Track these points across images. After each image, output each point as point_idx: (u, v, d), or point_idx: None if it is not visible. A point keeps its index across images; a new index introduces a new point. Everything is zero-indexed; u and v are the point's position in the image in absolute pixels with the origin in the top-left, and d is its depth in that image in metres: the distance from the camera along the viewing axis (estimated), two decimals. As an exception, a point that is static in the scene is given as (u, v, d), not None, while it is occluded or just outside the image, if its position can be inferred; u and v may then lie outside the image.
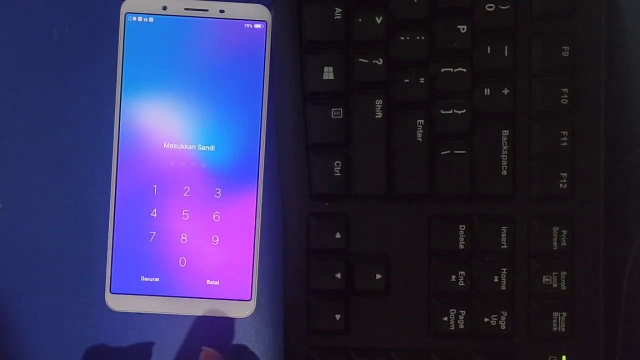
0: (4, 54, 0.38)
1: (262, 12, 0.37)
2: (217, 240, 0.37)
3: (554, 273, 0.34)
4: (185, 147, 0.37)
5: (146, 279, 0.37)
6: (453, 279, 0.34)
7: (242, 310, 0.37)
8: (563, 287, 0.34)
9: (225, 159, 0.37)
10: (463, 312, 0.34)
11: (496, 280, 0.34)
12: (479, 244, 0.35)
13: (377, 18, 0.34)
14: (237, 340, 0.38)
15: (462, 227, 0.34)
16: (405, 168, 0.34)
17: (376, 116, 0.34)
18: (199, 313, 0.37)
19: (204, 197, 0.37)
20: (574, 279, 0.34)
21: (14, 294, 0.38)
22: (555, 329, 0.34)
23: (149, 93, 0.37)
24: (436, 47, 0.34)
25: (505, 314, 0.34)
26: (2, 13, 0.38)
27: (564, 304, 0.34)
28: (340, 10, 0.34)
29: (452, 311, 0.34)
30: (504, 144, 0.34)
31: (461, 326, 0.35)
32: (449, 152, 0.34)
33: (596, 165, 0.34)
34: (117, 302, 0.37)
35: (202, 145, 0.37)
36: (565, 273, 0.34)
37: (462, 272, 0.34)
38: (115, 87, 0.37)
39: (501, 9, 0.34)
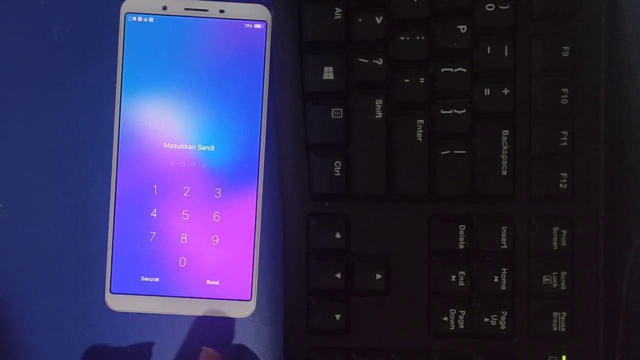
0: (4, 54, 0.38)
1: (262, 12, 0.37)
2: (217, 240, 0.37)
3: (554, 273, 0.34)
4: (185, 147, 0.37)
5: (146, 279, 0.37)
6: (453, 279, 0.34)
7: (242, 310, 0.37)
8: (563, 287, 0.34)
9: (225, 159, 0.37)
10: (463, 312, 0.34)
11: (496, 280, 0.34)
12: (479, 244, 0.35)
13: (377, 18, 0.34)
14: (237, 340, 0.38)
15: (462, 227, 0.34)
16: (405, 168, 0.34)
17: (376, 116, 0.34)
18: (199, 313, 0.37)
19: (204, 197, 0.37)
20: (574, 279, 0.34)
21: (14, 294, 0.38)
22: (555, 329, 0.34)
23: (149, 93, 0.37)
24: (436, 47, 0.34)
25: (505, 314, 0.34)
26: (2, 13, 0.38)
27: (564, 304, 0.34)
28: (340, 10, 0.34)
29: (452, 311, 0.34)
30: (504, 144, 0.34)
31: (461, 326, 0.35)
32: (449, 152, 0.34)
33: (596, 165, 0.34)
34: (117, 302, 0.37)
35: (202, 145, 0.37)
36: (565, 273, 0.34)
37: (462, 272, 0.34)
38: (115, 87, 0.37)
39: (501, 9, 0.34)
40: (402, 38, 0.34)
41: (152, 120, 0.37)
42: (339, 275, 0.35)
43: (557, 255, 0.34)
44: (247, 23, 0.37)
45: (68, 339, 0.38)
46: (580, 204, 0.34)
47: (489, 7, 0.34)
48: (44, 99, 0.38)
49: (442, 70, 0.34)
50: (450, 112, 0.34)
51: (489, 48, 0.34)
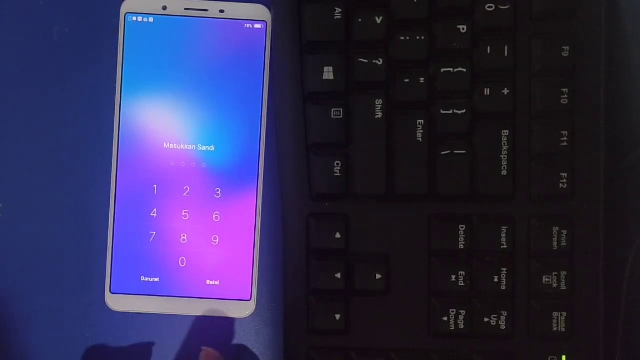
0: (4, 54, 0.38)
1: (262, 12, 0.37)
2: (217, 240, 0.37)
3: (554, 273, 0.34)
4: (185, 147, 0.37)
5: (146, 279, 0.37)
6: (453, 279, 0.34)
7: (242, 310, 0.37)
8: (563, 287, 0.34)
9: (225, 159, 0.37)
10: (463, 312, 0.34)
11: (496, 280, 0.34)
12: (479, 244, 0.35)
13: (377, 18, 0.34)
14: (237, 340, 0.38)
15: (462, 227, 0.34)
16: (405, 168, 0.34)
17: (376, 116, 0.34)
18: (199, 313, 0.37)
19: (204, 197, 0.37)
20: (574, 279, 0.34)
21: (14, 294, 0.38)
22: (555, 329, 0.34)
23: (149, 93, 0.37)
24: (436, 47, 0.34)
25: (505, 314, 0.34)
26: (2, 13, 0.38)
27: (564, 304, 0.34)
28: (340, 10, 0.34)
29: (452, 311, 0.34)
30: (504, 144, 0.34)
31: (461, 326, 0.35)
32: (449, 152, 0.34)
33: (596, 165, 0.34)
34: (117, 302, 0.37)
35: (202, 145, 0.37)
36: (565, 273, 0.34)
37: (462, 272, 0.34)
38: (115, 87, 0.37)
39: (501, 9, 0.34)
40: (402, 38, 0.34)
41: (152, 120, 0.37)
42: (339, 275, 0.35)
43: (557, 255, 0.34)
44: (247, 23, 0.37)
45: (68, 339, 0.38)
46: (580, 204, 0.34)
47: (489, 7, 0.34)
48: (44, 99, 0.38)
49: (442, 70, 0.34)
50: (450, 112, 0.34)
51: (489, 48, 0.34)
